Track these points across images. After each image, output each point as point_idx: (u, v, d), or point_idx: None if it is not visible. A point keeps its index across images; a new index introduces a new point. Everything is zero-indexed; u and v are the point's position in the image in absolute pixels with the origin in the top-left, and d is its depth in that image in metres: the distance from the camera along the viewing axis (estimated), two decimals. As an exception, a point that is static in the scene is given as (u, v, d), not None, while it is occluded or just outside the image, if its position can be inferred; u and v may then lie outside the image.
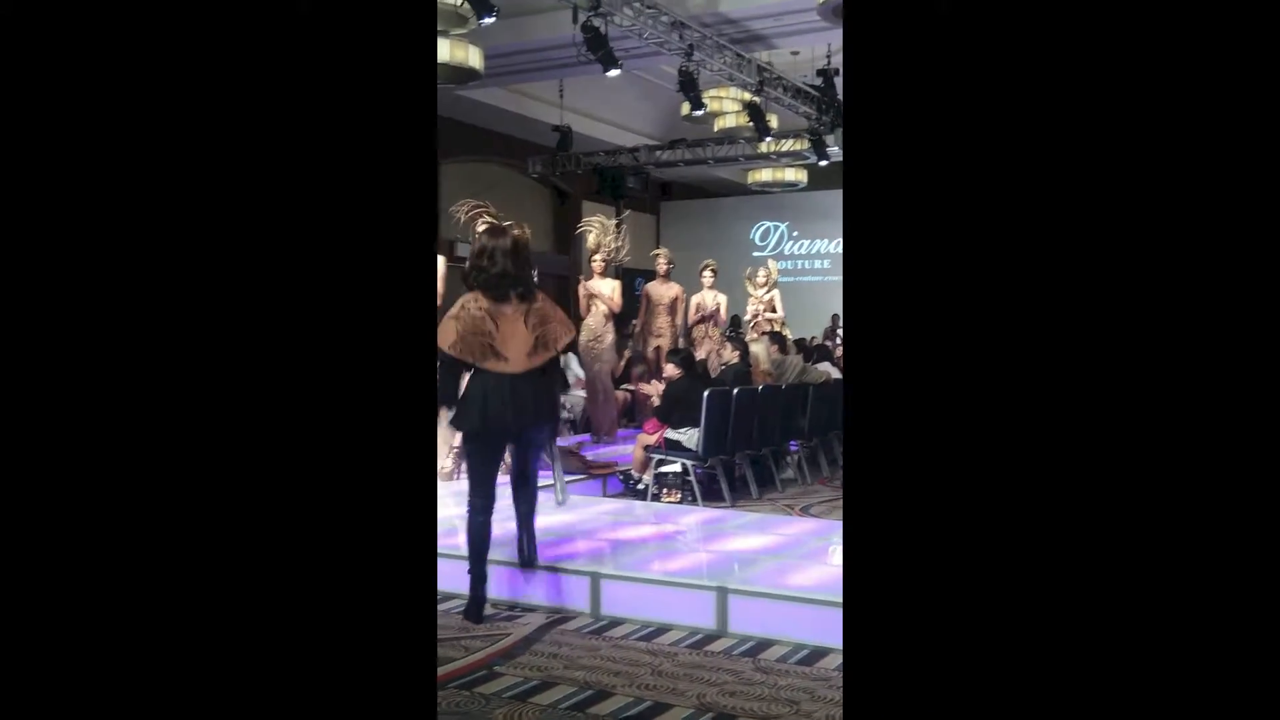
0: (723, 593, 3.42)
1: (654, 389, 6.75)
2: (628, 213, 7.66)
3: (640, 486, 5.96)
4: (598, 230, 7.22)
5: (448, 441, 5.08)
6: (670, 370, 6.05)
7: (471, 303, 3.54)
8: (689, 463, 5.75)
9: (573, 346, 4.88)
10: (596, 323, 7.16)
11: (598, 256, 7.21)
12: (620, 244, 7.26)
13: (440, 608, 3.70)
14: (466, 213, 4.89)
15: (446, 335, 3.49)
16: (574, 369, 9.84)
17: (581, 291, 7.29)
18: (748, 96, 10.08)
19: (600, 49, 7.76)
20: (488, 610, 3.61)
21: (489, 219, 4.59)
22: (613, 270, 7.31)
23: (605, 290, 7.19)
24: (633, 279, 7.52)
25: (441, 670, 3.00)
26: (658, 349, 7.67)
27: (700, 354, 7.93)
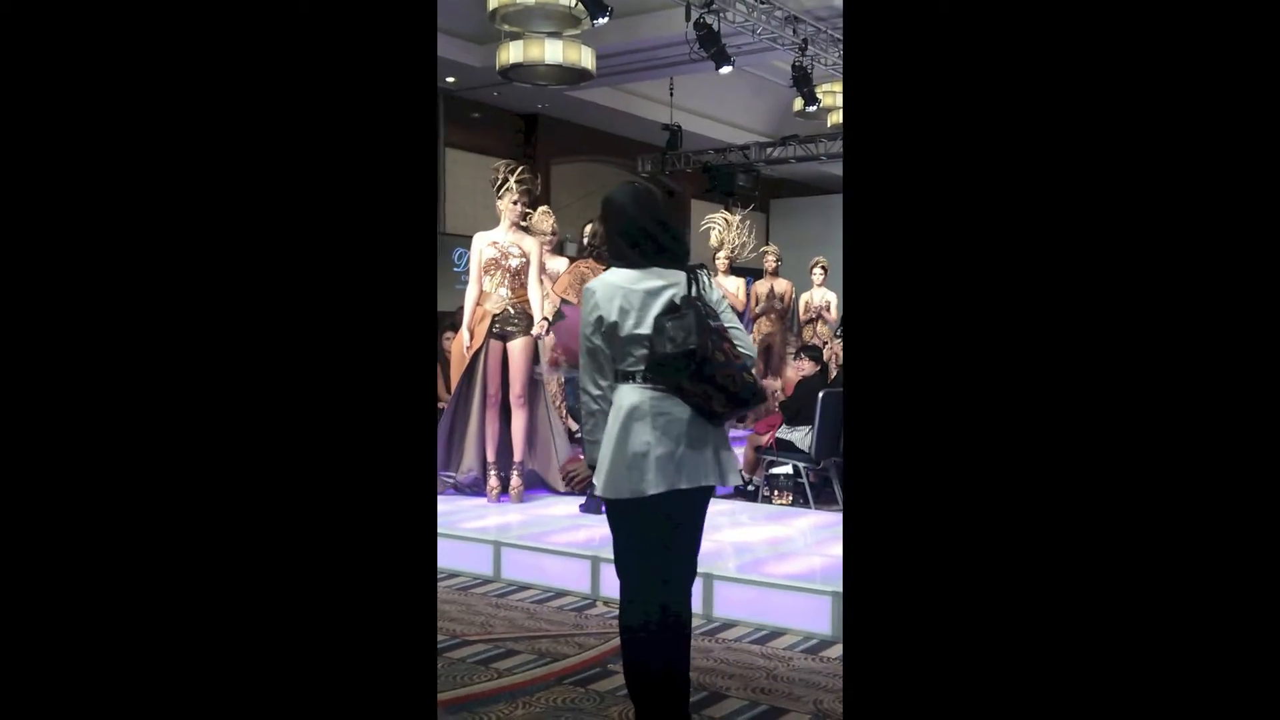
0: (838, 598, 3.35)
1: (773, 383, 6.66)
2: (751, 208, 7.62)
3: (750, 488, 5.90)
4: (721, 227, 7.18)
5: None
6: (807, 366, 5.94)
7: (582, 265, 5.11)
8: (801, 464, 5.66)
9: None
10: None
11: (721, 254, 7.16)
12: (744, 241, 7.21)
13: (554, 604, 3.73)
14: (511, 173, 5.03)
15: (562, 285, 5.17)
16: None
17: None
18: (843, 99, 9.86)
19: (713, 46, 7.73)
20: (599, 608, 3.64)
21: (529, 184, 5.11)
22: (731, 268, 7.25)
23: (730, 288, 7.14)
24: (742, 277, 7.46)
25: (556, 667, 3.02)
26: (768, 347, 7.58)
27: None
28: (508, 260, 4.97)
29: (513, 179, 5.01)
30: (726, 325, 2.25)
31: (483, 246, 5.00)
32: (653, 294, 2.21)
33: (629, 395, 2.22)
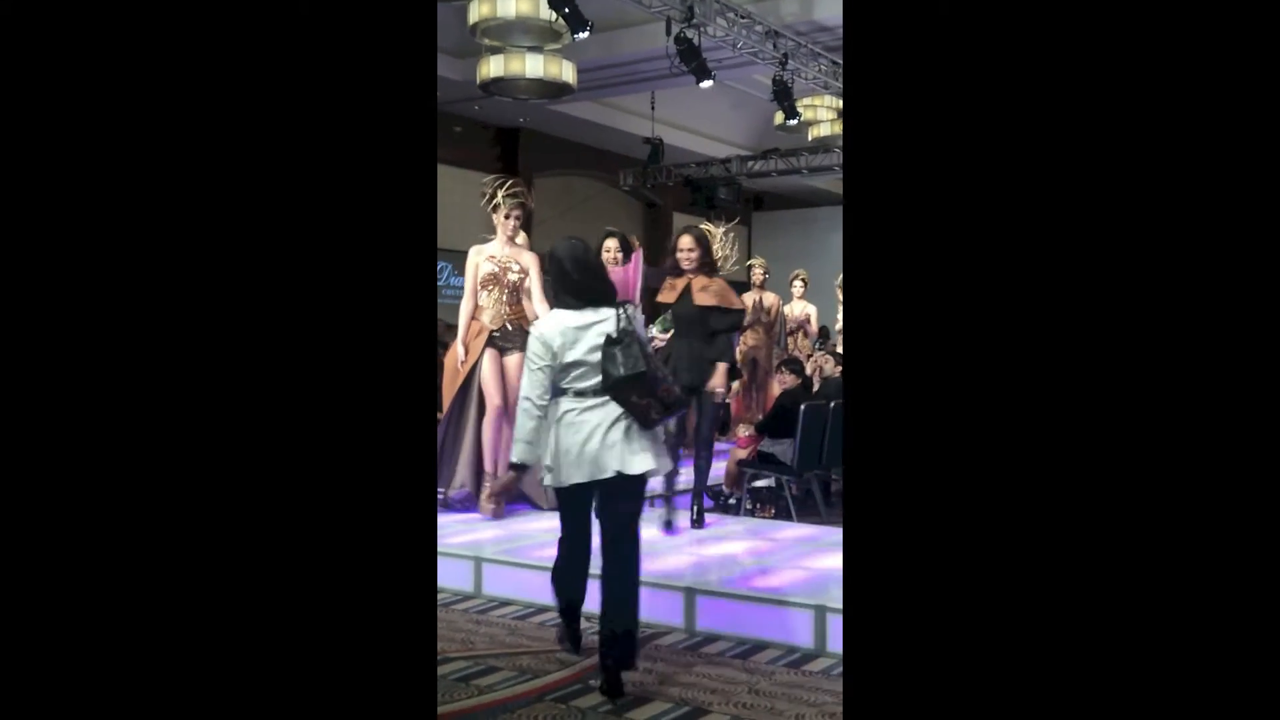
0: (820, 611, 3.34)
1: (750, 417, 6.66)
2: (735, 221, 7.64)
3: (732, 501, 5.89)
4: None
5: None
6: (789, 379, 5.94)
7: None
8: (784, 478, 5.66)
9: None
10: None
11: None
12: (728, 254, 7.17)
13: (535, 620, 3.71)
14: (500, 187, 4.90)
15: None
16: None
17: None
18: (843, 104, 9.94)
19: (693, 60, 7.75)
20: (581, 624, 3.60)
21: (522, 197, 4.93)
22: None
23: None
24: (726, 290, 7.45)
25: (537, 683, 3.00)
26: (754, 360, 7.58)
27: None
28: (506, 275, 4.85)
29: (501, 194, 4.89)
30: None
31: (480, 261, 4.86)
32: (587, 326, 2.87)
33: (564, 405, 2.87)
